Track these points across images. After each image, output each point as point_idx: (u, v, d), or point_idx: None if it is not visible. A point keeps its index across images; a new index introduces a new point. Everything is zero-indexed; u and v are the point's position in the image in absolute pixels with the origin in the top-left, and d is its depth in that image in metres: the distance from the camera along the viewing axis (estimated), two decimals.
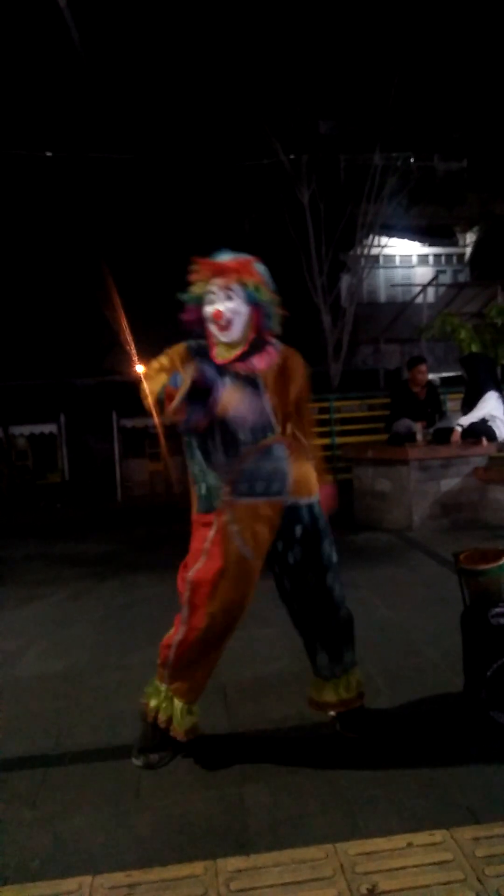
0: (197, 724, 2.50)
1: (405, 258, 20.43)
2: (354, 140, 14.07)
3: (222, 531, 2.35)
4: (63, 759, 2.58)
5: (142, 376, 2.41)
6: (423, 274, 19.44)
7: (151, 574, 5.54)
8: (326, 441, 9.90)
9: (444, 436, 6.93)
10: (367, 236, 14.26)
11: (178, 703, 2.45)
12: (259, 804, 2.20)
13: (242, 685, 3.13)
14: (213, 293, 2.34)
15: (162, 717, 2.45)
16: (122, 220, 15.95)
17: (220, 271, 2.34)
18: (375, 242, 15.16)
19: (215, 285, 2.34)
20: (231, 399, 2.22)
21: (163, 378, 2.30)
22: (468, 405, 7.13)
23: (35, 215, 16.03)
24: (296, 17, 11.23)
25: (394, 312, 17.13)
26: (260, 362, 2.39)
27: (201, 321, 2.41)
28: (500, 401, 6.98)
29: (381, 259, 18.84)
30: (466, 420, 6.90)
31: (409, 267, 20.45)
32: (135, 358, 16.14)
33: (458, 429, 6.85)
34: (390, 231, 17.03)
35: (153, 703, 2.48)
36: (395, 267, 20.34)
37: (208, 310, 2.36)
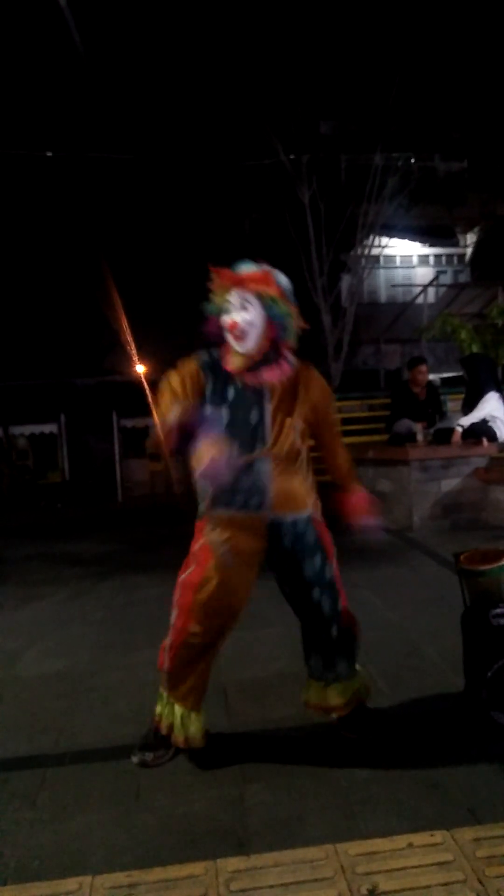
0: (198, 733, 2.48)
1: (406, 258, 20.42)
2: (355, 140, 14.08)
3: (206, 539, 2.42)
4: (63, 759, 2.58)
5: (156, 399, 2.45)
6: (424, 274, 19.43)
7: (152, 574, 5.54)
8: None
9: (444, 436, 6.93)
10: (367, 236, 14.25)
11: (178, 710, 2.47)
12: (259, 804, 2.20)
13: (243, 685, 3.13)
14: (231, 303, 2.38)
15: (164, 725, 2.50)
16: (123, 220, 15.96)
17: (238, 282, 2.37)
18: (376, 243, 15.15)
19: (233, 296, 2.37)
20: (205, 454, 2.20)
21: (168, 405, 2.36)
22: (469, 406, 7.12)
23: (35, 215, 16.03)
24: (297, 17, 11.23)
25: (394, 313, 17.13)
26: (270, 375, 2.40)
27: (221, 331, 2.45)
28: (500, 401, 6.98)
29: (381, 259, 18.82)
30: (467, 420, 6.90)
31: (409, 267, 20.44)
32: (135, 358, 16.15)
33: (459, 429, 6.85)
34: (391, 231, 17.02)
35: (158, 709, 2.53)
36: (396, 267, 20.34)
37: (225, 320, 2.39)
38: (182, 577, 2.45)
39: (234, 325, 2.36)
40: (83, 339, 17.54)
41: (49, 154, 13.79)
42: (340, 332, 14.13)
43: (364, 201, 13.67)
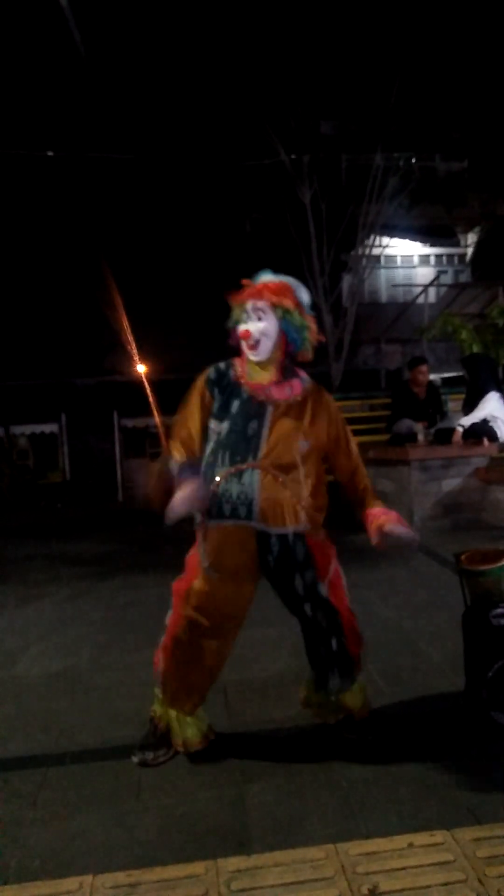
0: (195, 737, 2.50)
1: (406, 258, 20.41)
2: (356, 140, 14.05)
3: (196, 550, 2.46)
4: (63, 759, 2.58)
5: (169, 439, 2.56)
6: (425, 274, 19.43)
7: (152, 574, 5.54)
8: None
9: (445, 436, 6.93)
10: (368, 236, 14.23)
11: (171, 713, 2.50)
12: (260, 804, 2.20)
13: (243, 685, 3.13)
14: (247, 313, 2.41)
15: (162, 725, 2.53)
16: (123, 220, 15.95)
17: (255, 292, 2.41)
18: (377, 243, 15.13)
19: (249, 306, 2.40)
20: (175, 500, 2.31)
21: (171, 456, 2.46)
22: (469, 406, 7.12)
23: (36, 215, 16.03)
24: (297, 17, 11.23)
25: (395, 313, 17.12)
26: (279, 393, 2.43)
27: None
28: (501, 401, 6.98)
29: (382, 259, 18.82)
30: (468, 420, 6.90)
31: (410, 267, 20.43)
32: (135, 358, 16.14)
33: (460, 429, 6.85)
34: (392, 231, 17.01)
35: (155, 707, 2.56)
36: (397, 267, 20.33)
37: (240, 329, 2.42)
38: (174, 582, 2.51)
39: (246, 335, 2.40)
40: (83, 339, 17.52)
41: (50, 154, 13.79)
42: (341, 331, 14.11)
43: (365, 201, 13.66)
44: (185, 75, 13.25)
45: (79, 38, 9.23)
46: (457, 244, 20.70)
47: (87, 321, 16.87)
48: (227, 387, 2.47)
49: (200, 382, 2.51)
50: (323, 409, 2.48)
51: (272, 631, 3.63)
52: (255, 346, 2.40)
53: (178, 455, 2.45)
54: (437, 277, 17.70)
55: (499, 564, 2.65)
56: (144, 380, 16.15)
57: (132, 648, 3.73)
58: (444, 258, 20.72)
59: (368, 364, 17.60)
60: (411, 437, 7.05)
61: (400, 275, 20.18)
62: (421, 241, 19.96)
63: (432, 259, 20.65)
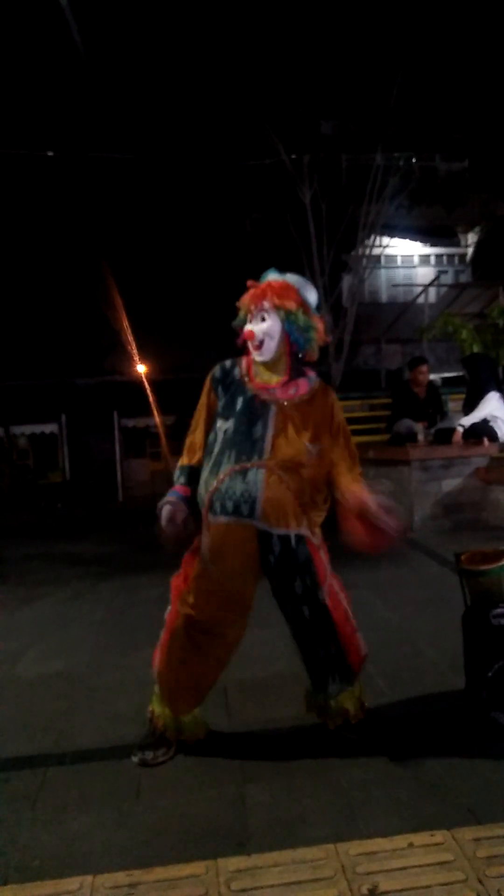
0: (189, 731, 2.52)
1: (407, 258, 20.42)
2: (356, 140, 14.04)
3: (198, 546, 2.46)
4: (63, 759, 2.58)
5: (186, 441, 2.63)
6: (425, 274, 19.43)
7: (152, 575, 5.53)
8: None
9: (445, 436, 6.93)
10: (368, 236, 14.23)
11: (166, 711, 2.51)
12: (259, 804, 2.20)
13: (243, 685, 3.13)
14: (251, 314, 2.42)
15: (160, 724, 2.54)
16: (123, 220, 15.95)
17: (257, 294, 2.42)
18: (377, 243, 15.13)
19: (253, 306, 2.42)
20: (161, 523, 2.45)
21: (182, 462, 2.56)
22: (469, 406, 7.12)
23: (36, 215, 16.03)
24: (297, 17, 11.22)
25: (395, 313, 17.11)
26: (283, 393, 2.43)
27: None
28: (501, 401, 6.98)
29: (382, 259, 18.83)
30: (468, 420, 6.90)
31: (410, 267, 20.44)
32: (135, 358, 16.14)
33: (460, 429, 6.85)
34: (392, 231, 17.02)
35: (153, 706, 2.57)
36: (397, 267, 20.34)
37: (245, 329, 2.43)
38: (173, 577, 2.53)
39: (250, 335, 2.41)
40: (84, 339, 17.53)
41: (50, 154, 13.78)
42: (341, 331, 14.11)
43: (365, 201, 13.65)
44: (185, 75, 13.24)
45: (78, 37, 9.24)
46: (457, 244, 20.71)
47: (87, 321, 16.89)
48: (231, 385, 2.49)
49: (207, 382, 2.54)
50: (327, 409, 2.47)
51: (272, 631, 3.61)
52: (259, 347, 2.41)
53: (184, 459, 2.54)
54: (437, 277, 17.70)
55: (499, 564, 2.65)
56: (144, 380, 16.16)
57: (132, 649, 3.72)
58: (445, 258, 20.72)
59: (369, 364, 17.60)
60: (411, 437, 7.04)
61: (400, 275, 20.19)
62: (421, 241, 19.97)
63: (432, 259, 20.66)
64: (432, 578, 4.93)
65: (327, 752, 2.49)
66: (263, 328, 2.39)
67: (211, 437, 2.48)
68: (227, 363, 2.55)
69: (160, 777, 2.40)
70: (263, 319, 2.39)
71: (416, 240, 19.70)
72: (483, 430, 6.83)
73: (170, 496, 2.49)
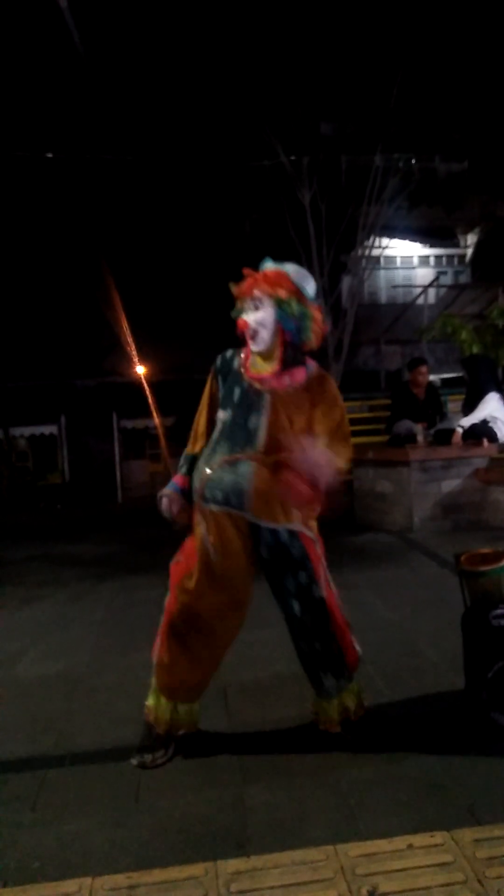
0: (181, 722, 2.52)
1: (406, 259, 20.43)
2: (356, 141, 14.05)
3: (194, 529, 2.47)
4: (63, 761, 2.58)
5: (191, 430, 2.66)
6: (424, 275, 19.45)
7: (151, 575, 5.52)
8: None
9: (444, 437, 6.93)
10: (368, 237, 14.24)
11: (162, 701, 2.50)
12: (259, 805, 2.20)
13: (242, 686, 3.13)
14: (246, 304, 2.42)
15: (152, 717, 2.52)
16: (123, 222, 15.96)
17: (251, 283, 2.41)
18: (376, 244, 15.14)
19: (248, 296, 2.41)
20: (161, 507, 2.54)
21: (187, 451, 2.60)
22: (469, 406, 7.13)
23: (36, 217, 16.04)
24: (297, 18, 11.23)
25: (395, 314, 17.13)
26: (277, 382, 2.42)
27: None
28: (501, 402, 6.98)
29: (382, 260, 18.82)
30: (467, 421, 6.90)
31: (410, 268, 20.45)
32: (135, 359, 16.14)
33: (459, 430, 6.85)
34: (391, 232, 17.02)
35: (149, 701, 2.55)
36: (396, 268, 20.35)
37: (240, 319, 2.44)
38: (172, 562, 2.54)
39: (244, 325, 2.41)
40: (83, 341, 17.54)
41: (49, 155, 13.79)
42: (341, 332, 14.11)
43: (364, 202, 13.66)
44: (184, 76, 13.25)
45: (78, 38, 9.24)
46: (456, 245, 20.72)
47: (86, 323, 16.90)
48: (230, 374, 2.51)
49: (211, 372, 2.58)
50: (324, 396, 2.46)
51: (272, 631, 3.61)
52: (253, 337, 2.41)
53: (188, 448, 2.59)
54: (436, 278, 17.71)
55: (499, 565, 2.65)
56: (144, 381, 16.17)
57: (132, 649, 3.72)
58: (444, 259, 20.74)
59: (368, 365, 17.60)
60: (411, 437, 7.04)
61: (399, 276, 20.21)
62: (421, 242, 19.98)
63: (432, 260, 20.67)
64: (432, 579, 4.93)
65: (327, 752, 2.49)
66: (257, 318, 2.39)
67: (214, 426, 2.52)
68: (228, 353, 2.57)
69: (159, 778, 2.40)
70: (257, 308, 2.39)
71: (415, 241, 19.71)
72: (482, 430, 6.83)
73: (167, 488, 2.55)
